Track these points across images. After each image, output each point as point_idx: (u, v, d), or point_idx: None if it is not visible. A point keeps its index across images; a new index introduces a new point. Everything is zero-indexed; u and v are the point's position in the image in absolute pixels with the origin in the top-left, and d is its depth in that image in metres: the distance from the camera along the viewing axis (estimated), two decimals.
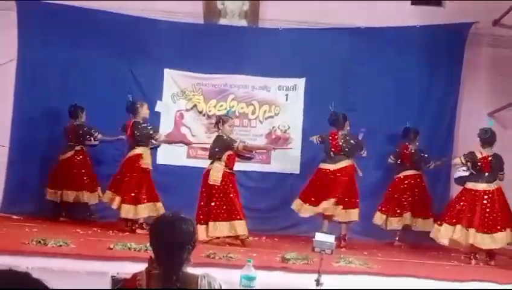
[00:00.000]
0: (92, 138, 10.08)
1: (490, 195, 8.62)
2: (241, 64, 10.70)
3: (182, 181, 10.33)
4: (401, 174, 10.13)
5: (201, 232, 8.29)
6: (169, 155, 10.42)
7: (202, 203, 8.73)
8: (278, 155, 10.73)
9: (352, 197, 9.45)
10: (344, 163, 9.51)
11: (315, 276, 6.10)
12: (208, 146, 9.23)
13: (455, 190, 10.03)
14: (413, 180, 10.08)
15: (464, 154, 8.85)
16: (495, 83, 10.77)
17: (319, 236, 6.21)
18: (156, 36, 10.62)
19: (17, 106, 10.64)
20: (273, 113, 10.83)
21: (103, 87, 10.49)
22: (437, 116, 10.77)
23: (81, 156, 10.15)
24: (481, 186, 8.66)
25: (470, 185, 8.75)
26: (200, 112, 10.80)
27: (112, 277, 3.96)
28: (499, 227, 8.50)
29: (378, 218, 10.02)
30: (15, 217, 10.06)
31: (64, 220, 10.01)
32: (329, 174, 9.47)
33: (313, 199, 9.41)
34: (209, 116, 10.74)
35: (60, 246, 7.13)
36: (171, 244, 3.09)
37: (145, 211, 9.20)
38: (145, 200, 9.21)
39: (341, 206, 9.35)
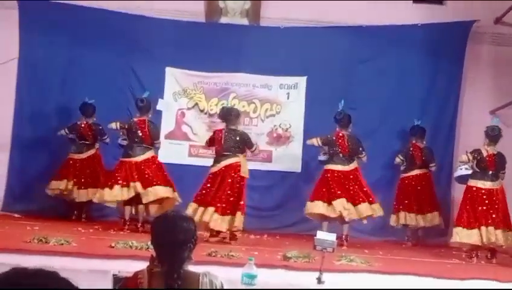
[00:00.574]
0: (106, 137, 10.08)
1: (495, 193, 8.61)
2: (242, 62, 10.70)
3: (184, 180, 10.32)
4: (410, 173, 10.07)
5: (222, 223, 8.43)
6: (171, 154, 10.42)
7: (237, 194, 8.64)
8: (279, 154, 10.74)
9: (370, 195, 9.38)
10: (353, 165, 9.47)
11: (316, 274, 6.11)
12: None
13: (457, 189, 10.04)
14: (424, 178, 10.06)
15: (471, 151, 8.81)
16: (497, 81, 10.76)
17: (321, 234, 6.22)
18: (158, 35, 10.63)
19: (18, 104, 10.66)
20: (275, 111, 10.82)
21: (105, 85, 10.50)
22: (439, 114, 10.75)
23: (99, 154, 10.19)
24: (487, 184, 8.64)
25: (476, 183, 8.70)
26: (202, 111, 10.81)
27: (114, 275, 3.96)
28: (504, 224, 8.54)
29: (395, 220, 9.96)
30: (16, 215, 10.08)
31: (85, 220, 9.99)
32: (344, 176, 9.38)
33: (325, 199, 9.32)
34: (210, 115, 10.74)
35: (62, 244, 7.13)
36: (172, 242, 3.09)
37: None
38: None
39: (364, 203, 9.31)
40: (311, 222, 9.52)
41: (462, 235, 8.57)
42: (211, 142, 9.07)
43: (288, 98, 10.82)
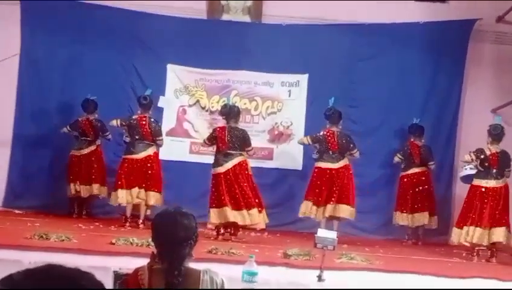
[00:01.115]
0: (108, 133, 10.08)
1: (499, 191, 8.61)
2: (244, 60, 10.69)
3: (184, 176, 10.35)
4: (409, 171, 10.03)
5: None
6: (172, 151, 10.42)
7: (247, 190, 8.75)
8: (280, 151, 10.74)
9: (351, 195, 9.45)
10: (343, 162, 9.49)
11: (317, 272, 6.13)
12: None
13: (458, 188, 10.04)
14: (424, 176, 10.04)
15: (473, 151, 8.80)
16: (498, 80, 10.75)
17: (321, 232, 6.23)
18: (159, 32, 10.63)
19: (19, 101, 10.66)
20: (276, 109, 10.81)
21: (106, 82, 10.50)
22: (440, 112, 10.73)
23: (100, 150, 10.19)
24: (491, 183, 8.63)
25: (480, 182, 8.69)
26: (203, 108, 10.80)
27: (114, 271, 3.96)
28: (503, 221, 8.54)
29: (399, 218, 9.95)
30: (17, 211, 10.09)
31: (86, 217, 10.01)
32: (333, 173, 9.43)
33: (320, 200, 9.38)
34: (211, 112, 10.73)
35: (62, 240, 7.13)
36: (173, 239, 3.09)
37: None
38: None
39: (343, 204, 9.36)
40: (312, 220, 9.52)
41: (461, 236, 8.56)
42: (211, 140, 9.05)
43: (289, 95, 10.81)
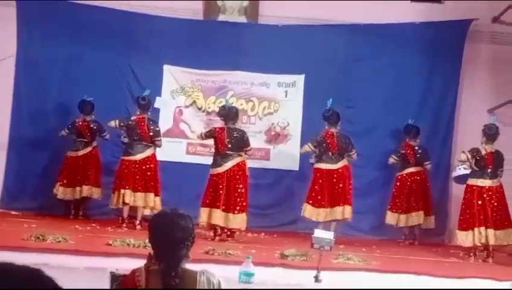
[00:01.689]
0: (106, 133, 10.07)
1: (495, 191, 8.62)
2: (240, 60, 10.69)
3: (181, 177, 10.35)
4: (405, 172, 10.04)
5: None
6: (169, 151, 10.41)
7: (243, 192, 8.78)
8: (277, 152, 10.74)
9: (350, 195, 9.47)
10: (342, 163, 9.51)
11: (314, 272, 6.12)
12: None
13: (454, 188, 10.05)
14: (419, 176, 10.04)
15: (469, 150, 8.81)
16: (494, 80, 10.76)
17: (318, 233, 6.23)
18: (156, 32, 10.62)
19: (16, 103, 10.64)
20: (273, 109, 10.82)
21: (102, 83, 10.50)
22: (436, 113, 10.74)
23: (96, 151, 10.18)
24: (487, 182, 8.65)
25: (476, 181, 8.69)
26: (199, 109, 10.80)
27: (111, 272, 3.96)
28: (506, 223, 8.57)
29: (391, 217, 9.96)
30: (14, 213, 10.07)
31: (82, 218, 10.00)
32: (333, 174, 9.44)
33: (323, 202, 9.38)
34: (208, 113, 10.74)
35: (59, 242, 7.13)
36: (170, 240, 3.09)
37: None
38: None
39: (346, 206, 9.38)
40: (309, 220, 9.52)
41: (475, 238, 8.54)
42: (207, 137, 9.11)
43: (286, 96, 10.81)
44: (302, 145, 10.18)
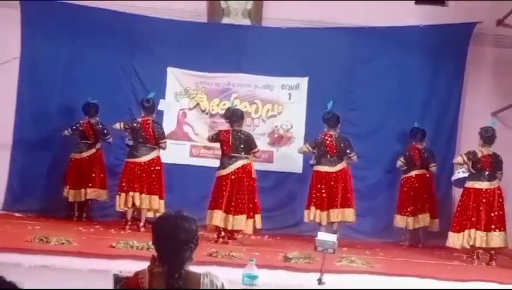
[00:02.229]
0: (109, 136, 10.08)
1: (493, 193, 8.61)
2: (244, 63, 10.70)
3: (185, 180, 10.36)
4: (411, 174, 10.03)
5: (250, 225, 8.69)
6: (172, 154, 10.40)
7: (252, 196, 8.84)
8: (280, 154, 10.74)
9: (352, 198, 9.47)
10: (341, 165, 9.51)
11: (317, 275, 6.12)
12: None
13: (457, 191, 10.02)
14: (425, 179, 10.04)
15: (465, 153, 8.82)
16: (498, 83, 10.75)
17: (322, 235, 6.22)
18: (160, 35, 10.63)
19: (20, 104, 10.66)
20: (276, 112, 10.82)
21: (106, 85, 10.52)
22: (440, 115, 10.74)
23: (100, 153, 10.19)
24: (484, 184, 8.64)
25: (473, 184, 8.68)
26: (203, 111, 10.81)
27: (114, 275, 3.95)
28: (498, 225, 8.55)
29: (400, 220, 9.94)
30: (17, 214, 10.08)
31: (86, 220, 10.01)
32: (332, 177, 9.44)
33: (323, 204, 9.38)
34: (212, 115, 10.75)
35: (63, 244, 7.15)
36: (174, 242, 3.09)
37: None
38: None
39: (347, 208, 9.38)
40: (312, 223, 9.52)
41: (463, 240, 8.55)
42: (214, 140, 9.13)
43: (289, 98, 10.81)
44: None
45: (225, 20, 10.90)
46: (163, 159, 9.80)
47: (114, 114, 10.01)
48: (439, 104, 10.74)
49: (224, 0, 10.89)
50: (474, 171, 8.70)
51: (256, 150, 9.08)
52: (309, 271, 6.56)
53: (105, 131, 10.05)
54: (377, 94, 10.61)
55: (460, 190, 9.08)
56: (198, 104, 10.80)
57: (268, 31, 10.82)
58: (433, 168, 10.10)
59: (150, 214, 9.26)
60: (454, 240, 8.64)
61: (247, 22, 10.93)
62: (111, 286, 3.88)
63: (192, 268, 3.15)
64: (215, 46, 10.60)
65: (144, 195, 9.25)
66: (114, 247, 7.25)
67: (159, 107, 10.31)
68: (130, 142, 9.53)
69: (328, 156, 9.47)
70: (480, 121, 9.37)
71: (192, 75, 10.78)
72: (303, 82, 10.75)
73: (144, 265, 3.19)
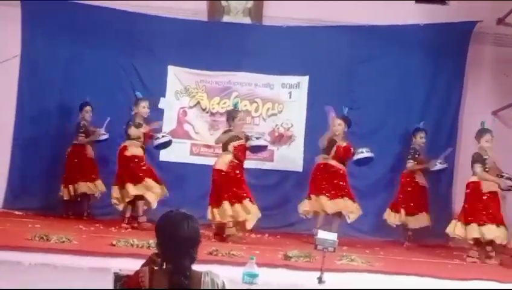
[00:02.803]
0: (103, 133, 10.09)
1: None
2: (244, 61, 10.70)
3: (185, 178, 10.37)
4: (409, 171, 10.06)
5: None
6: (173, 152, 10.41)
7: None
8: (281, 153, 10.75)
9: (348, 191, 9.51)
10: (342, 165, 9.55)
11: (317, 274, 6.12)
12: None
13: (458, 189, 10.05)
14: (421, 177, 10.05)
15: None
16: (499, 82, 10.75)
17: (322, 234, 6.22)
18: (160, 33, 10.63)
19: (20, 103, 10.66)
20: (276, 110, 10.82)
21: (106, 84, 10.52)
22: (440, 114, 10.73)
23: (82, 148, 10.16)
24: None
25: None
26: (204, 109, 10.81)
27: (115, 273, 3.96)
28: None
29: (392, 217, 9.95)
30: (18, 213, 10.09)
31: (86, 218, 10.02)
32: (328, 167, 9.46)
33: (324, 193, 9.38)
34: (212, 114, 10.76)
35: (63, 242, 7.14)
36: (180, 241, 3.10)
37: None
38: None
39: (347, 199, 9.41)
40: (313, 221, 9.53)
41: (458, 230, 8.60)
42: None
43: (290, 97, 10.82)
44: (306, 145, 10.47)
45: (225, 19, 10.90)
46: (164, 158, 9.80)
47: (114, 113, 10.03)
48: (440, 103, 10.74)
49: None
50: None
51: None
52: (309, 270, 6.56)
53: (98, 129, 10.02)
54: (377, 93, 10.61)
55: (461, 189, 9.09)
56: (198, 102, 10.80)
57: (268, 29, 10.82)
58: (433, 166, 10.07)
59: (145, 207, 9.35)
60: (451, 228, 8.71)
61: (247, 20, 10.93)
62: (111, 284, 3.89)
63: (193, 266, 3.16)
64: (215, 44, 10.60)
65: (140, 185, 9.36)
66: (114, 245, 7.25)
67: (160, 106, 10.35)
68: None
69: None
70: (481, 120, 9.37)
71: (192, 73, 10.79)
72: (303, 81, 10.75)
73: None
